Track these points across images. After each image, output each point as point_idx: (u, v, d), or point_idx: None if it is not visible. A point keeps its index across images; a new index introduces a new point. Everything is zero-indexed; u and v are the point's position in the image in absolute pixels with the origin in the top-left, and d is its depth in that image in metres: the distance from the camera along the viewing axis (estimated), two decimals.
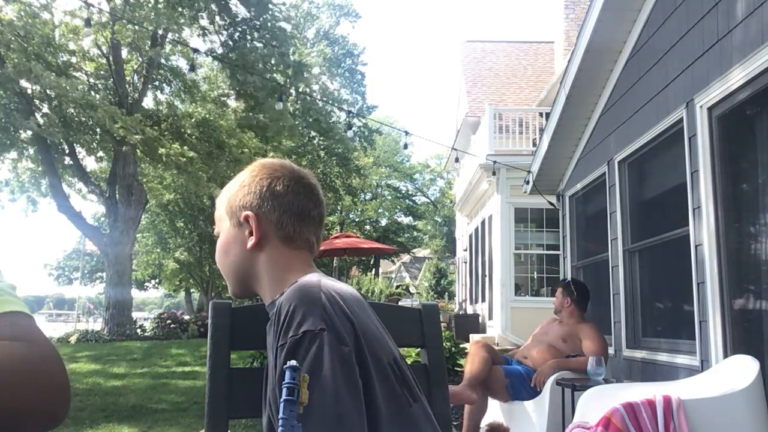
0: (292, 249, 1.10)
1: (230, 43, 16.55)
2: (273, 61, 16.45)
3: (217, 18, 16.25)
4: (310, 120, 19.95)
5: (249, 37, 16.60)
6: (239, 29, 16.65)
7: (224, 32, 16.72)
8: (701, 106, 3.54)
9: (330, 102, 20.75)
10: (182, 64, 17.62)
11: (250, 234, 1.09)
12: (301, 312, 0.91)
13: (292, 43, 18.39)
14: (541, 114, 11.31)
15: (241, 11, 16.53)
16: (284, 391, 0.73)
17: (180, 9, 14.79)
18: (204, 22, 16.28)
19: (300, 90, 17.92)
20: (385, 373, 0.95)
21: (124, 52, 16.51)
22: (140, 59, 16.60)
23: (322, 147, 24.27)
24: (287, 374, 0.75)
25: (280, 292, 1.03)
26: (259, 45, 16.39)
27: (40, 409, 0.68)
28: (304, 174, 1.15)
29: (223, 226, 1.15)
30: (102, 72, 16.27)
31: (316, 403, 0.83)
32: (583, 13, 5.83)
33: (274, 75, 16.82)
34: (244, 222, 1.10)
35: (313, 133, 22.23)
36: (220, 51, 16.93)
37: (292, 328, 0.90)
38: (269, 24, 16.76)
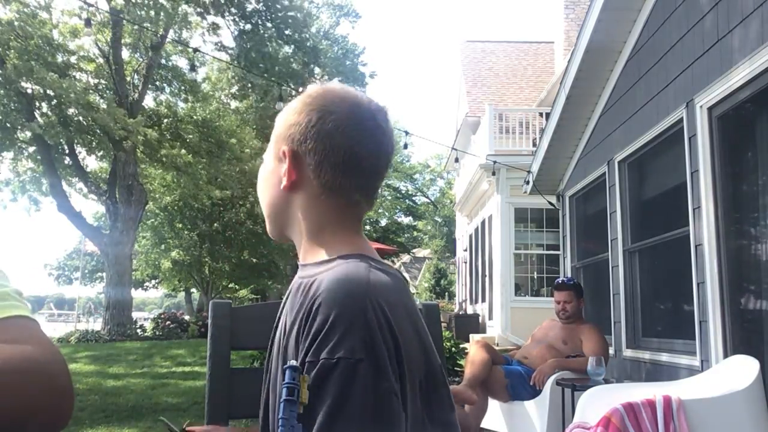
0: (331, 200, 0.92)
1: (243, 36, 16.61)
2: (289, 49, 16.55)
3: (227, 13, 16.31)
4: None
5: (261, 29, 16.65)
6: (251, 21, 16.70)
7: (235, 26, 16.79)
8: (701, 106, 3.54)
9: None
10: (183, 63, 17.67)
11: (287, 172, 0.94)
12: (341, 330, 0.75)
13: (306, 30, 18.45)
14: (541, 114, 11.31)
15: (251, 4, 16.61)
16: (284, 391, 0.73)
17: (184, 7, 14.81)
18: (214, 18, 16.35)
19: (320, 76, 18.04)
20: (428, 387, 0.85)
21: (125, 53, 16.53)
22: (140, 59, 16.63)
23: None
24: (287, 374, 0.74)
25: (316, 250, 0.92)
26: (273, 32, 16.48)
27: (45, 412, 0.69)
28: (368, 112, 0.93)
29: (268, 153, 0.99)
30: (102, 72, 16.28)
31: None
32: (583, 13, 5.83)
33: (292, 64, 16.91)
34: (282, 156, 0.94)
35: None
36: (231, 45, 17.01)
37: (327, 349, 0.75)
38: (281, 14, 16.82)
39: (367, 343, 0.75)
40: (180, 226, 22.94)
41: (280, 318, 0.95)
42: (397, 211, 37.32)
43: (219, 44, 17.29)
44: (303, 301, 0.83)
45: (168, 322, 15.13)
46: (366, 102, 0.94)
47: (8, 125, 14.06)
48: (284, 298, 0.96)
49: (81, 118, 13.83)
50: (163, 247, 23.26)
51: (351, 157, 0.90)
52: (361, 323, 0.76)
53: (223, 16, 16.62)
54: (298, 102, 0.95)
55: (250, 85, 17.51)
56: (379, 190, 0.97)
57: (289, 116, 0.95)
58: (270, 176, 0.97)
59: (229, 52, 17.02)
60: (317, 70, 20.03)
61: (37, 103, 14.69)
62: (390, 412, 0.75)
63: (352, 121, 0.91)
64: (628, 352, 4.68)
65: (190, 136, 15.67)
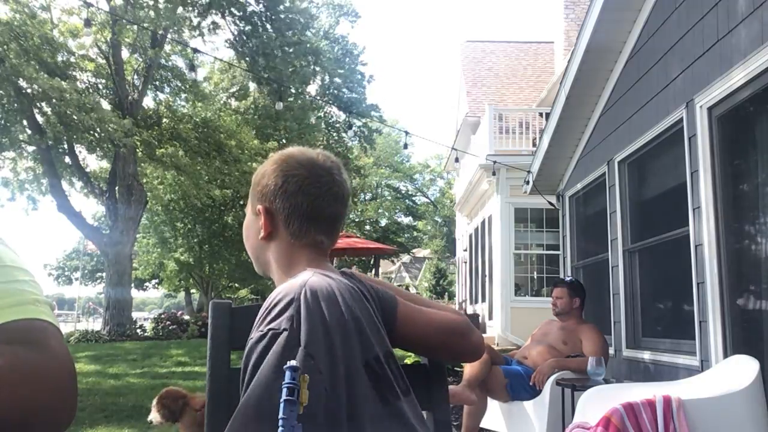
0: (299, 244, 1.13)
1: (243, 36, 16.66)
2: (291, 50, 16.62)
3: (227, 13, 16.34)
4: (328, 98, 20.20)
5: (261, 29, 16.69)
6: (251, 22, 16.73)
7: (235, 26, 16.81)
8: (701, 106, 3.54)
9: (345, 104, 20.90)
10: (182, 63, 17.67)
11: (263, 226, 1.14)
12: (276, 310, 0.93)
13: (305, 32, 18.48)
14: (541, 114, 11.31)
15: (252, 3, 16.66)
16: (284, 391, 0.73)
17: (183, 8, 14.82)
18: (215, 18, 16.37)
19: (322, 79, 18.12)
20: (357, 374, 0.95)
21: (125, 52, 16.53)
22: (139, 59, 16.62)
23: (321, 146, 24.30)
24: (287, 374, 0.75)
25: (282, 282, 1.06)
26: (274, 35, 16.54)
27: (42, 415, 0.69)
28: (323, 171, 1.14)
29: (248, 209, 1.21)
30: (102, 72, 16.28)
31: (245, 399, 0.86)
32: (583, 13, 5.83)
33: (294, 63, 16.97)
34: (258, 213, 1.15)
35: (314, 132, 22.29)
36: (230, 45, 17.04)
37: (263, 324, 0.93)
38: (282, 15, 16.87)
39: (294, 319, 0.91)
40: (181, 225, 22.94)
41: None
42: (397, 211, 37.33)
43: (228, 41, 17.33)
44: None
45: (168, 322, 15.13)
46: (322, 161, 1.15)
47: (8, 125, 14.07)
48: None
49: (75, 116, 13.83)
50: (163, 248, 23.24)
51: (312, 209, 1.12)
52: (291, 305, 0.93)
53: (223, 17, 16.64)
54: (267, 166, 1.16)
55: (252, 85, 17.55)
56: (340, 227, 1.20)
57: (261, 179, 1.16)
58: (251, 227, 1.18)
59: (238, 49, 17.04)
60: (317, 69, 20.05)
61: (37, 103, 14.69)
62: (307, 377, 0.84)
63: (311, 180, 1.12)
64: (628, 352, 4.68)
65: (190, 134, 15.65)
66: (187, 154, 15.67)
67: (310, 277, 1.00)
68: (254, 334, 0.93)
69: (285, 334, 0.89)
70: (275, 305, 0.94)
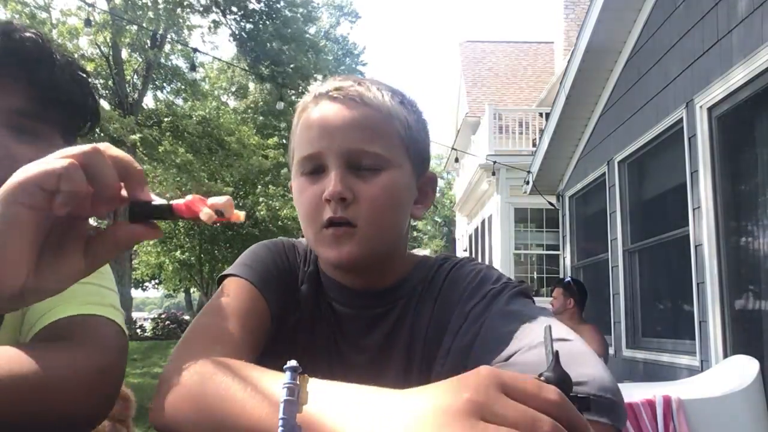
0: None
1: (243, 34, 16.68)
2: (288, 48, 16.64)
3: (228, 12, 16.36)
4: None
5: (261, 27, 16.72)
6: (251, 21, 16.74)
7: (237, 24, 16.84)
8: (701, 106, 3.55)
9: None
10: (182, 63, 17.69)
11: (420, 200, 0.82)
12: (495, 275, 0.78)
13: (305, 30, 18.51)
14: (541, 114, 11.31)
15: (252, 3, 16.71)
16: (284, 391, 0.73)
17: (182, 8, 14.83)
18: (215, 16, 16.41)
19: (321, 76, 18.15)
20: None
21: (124, 53, 16.54)
22: (139, 59, 16.64)
23: None
24: (287, 374, 0.74)
25: (406, 269, 0.83)
26: (273, 32, 16.58)
27: (68, 416, 0.67)
28: None
29: (395, 161, 0.76)
30: (102, 72, 16.28)
31: None
32: (583, 13, 5.83)
33: (291, 63, 17.00)
34: (423, 180, 0.82)
35: None
36: (233, 43, 17.09)
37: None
38: (283, 13, 16.88)
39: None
40: (182, 223, 22.85)
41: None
42: None
43: (233, 34, 17.36)
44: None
45: (168, 323, 15.15)
46: None
47: None
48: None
49: None
50: (163, 247, 23.20)
51: None
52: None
53: (224, 15, 16.66)
54: (414, 116, 0.80)
55: (253, 80, 17.56)
56: None
57: (426, 137, 0.82)
58: (405, 193, 0.78)
59: (239, 46, 17.06)
60: (317, 69, 20.08)
61: None
62: None
63: None
64: (627, 352, 4.68)
65: (193, 132, 15.67)
66: (187, 152, 15.68)
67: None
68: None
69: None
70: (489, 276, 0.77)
